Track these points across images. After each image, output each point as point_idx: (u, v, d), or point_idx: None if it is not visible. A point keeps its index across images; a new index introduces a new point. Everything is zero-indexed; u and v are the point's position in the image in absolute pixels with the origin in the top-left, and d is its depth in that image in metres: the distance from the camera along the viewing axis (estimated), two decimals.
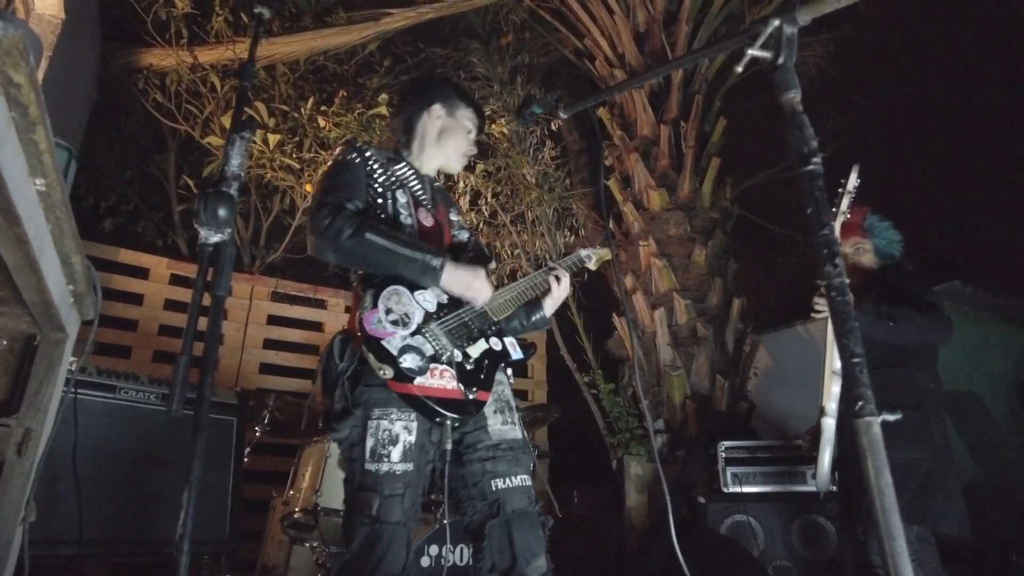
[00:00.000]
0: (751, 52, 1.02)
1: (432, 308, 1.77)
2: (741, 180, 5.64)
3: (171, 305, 4.43)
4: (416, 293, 1.75)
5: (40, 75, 2.84)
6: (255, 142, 4.63)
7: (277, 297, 4.85)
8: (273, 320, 4.80)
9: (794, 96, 0.99)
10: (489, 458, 1.75)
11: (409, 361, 1.63)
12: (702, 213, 5.07)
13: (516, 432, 1.84)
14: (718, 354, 4.71)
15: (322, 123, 4.92)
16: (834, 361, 2.32)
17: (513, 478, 1.75)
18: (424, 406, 1.64)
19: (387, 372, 1.61)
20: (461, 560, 2.88)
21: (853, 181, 2.30)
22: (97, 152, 5.27)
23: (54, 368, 1.39)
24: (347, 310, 5.06)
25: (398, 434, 1.64)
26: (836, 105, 6.13)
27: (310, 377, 4.83)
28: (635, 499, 4.37)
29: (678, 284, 4.85)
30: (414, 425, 1.66)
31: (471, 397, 1.72)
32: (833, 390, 2.32)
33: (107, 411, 2.70)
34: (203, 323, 1.11)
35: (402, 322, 1.68)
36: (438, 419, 1.67)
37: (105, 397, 2.71)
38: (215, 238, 1.15)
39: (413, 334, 1.69)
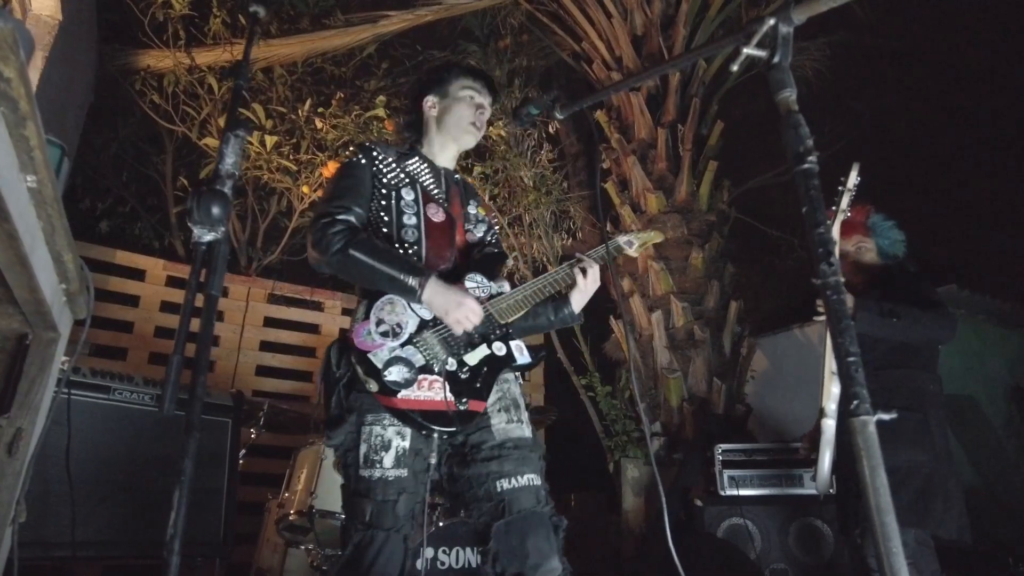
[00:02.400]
0: (746, 51, 1.01)
1: (429, 315, 1.73)
2: (738, 183, 5.64)
3: (167, 307, 4.42)
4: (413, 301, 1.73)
5: (37, 75, 2.83)
6: (252, 143, 4.62)
7: (273, 299, 4.84)
8: (269, 322, 4.79)
9: (789, 95, 0.99)
10: (494, 457, 1.70)
11: (395, 374, 1.61)
12: (699, 216, 5.07)
13: (523, 430, 1.77)
14: (715, 357, 4.71)
15: (319, 125, 4.92)
16: (834, 362, 2.30)
17: (520, 478, 1.68)
18: (410, 419, 1.62)
19: (372, 386, 1.61)
20: (457, 563, 2.87)
21: (853, 179, 2.30)
22: (94, 154, 5.26)
23: (46, 368, 1.38)
24: (344, 312, 5.06)
25: (390, 439, 1.62)
26: (833, 110, 6.15)
27: (306, 380, 4.82)
28: (632, 502, 4.36)
29: (675, 287, 4.84)
30: (408, 430, 1.64)
31: (462, 408, 1.67)
32: (833, 391, 2.31)
33: (101, 412, 2.69)
34: (197, 323, 1.10)
35: (393, 333, 1.66)
36: (424, 432, 1.65)
37: (99, 398, 2.69)
38: (209, 236, 1.14)
39: (404, 344, 1.66)
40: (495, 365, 1.77)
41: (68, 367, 1.56)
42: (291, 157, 4.90)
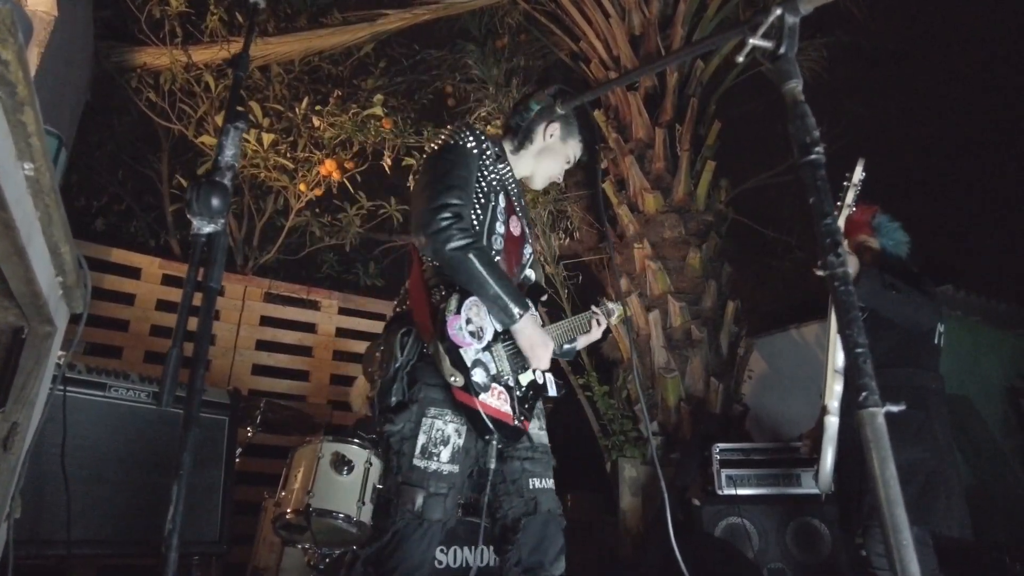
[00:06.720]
0: (752, 41, 1.01)
1: (500, 328, 1.79)
2: (736, 183, 5.64)
3: (163, 305, 4.39)
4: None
5: (33, 71, 2.80)
6: (249, 141, 4.60)
7: (270, 298, 4.82)
8: (266, 321, 4.77)
9: (796, 86, 0.98)
10: (528, 458, 1.82)
11: (479, 376, 1.66)
12: (697, 216, 5.07)
13: (546, 439, 1.92)
14: (712, 357, 4.70)
15: (316, 123, 4.91)
16: (836, 359, 2.31)
17: (546, 480, 1.83)
18: (480, 422, 1.67)
19: (458, 380, 1.64)
20: (455, 563, 2.86)
21: (859, 175, 2.30)
22: (89, 151, 5.22)
23: (42, 362, 1.36)
24: (341, 312, 5.04)
25: (450, 436, 1.68)
26: (830, 111, 6.15)
27: (303, 379, 4.80)
28: (629, 502, 4.36)
29: (672, 287, 4.84)
30: (464, 429, 1.71)
31: (517, 424, 1.76)
32: (836, 389, 2.31)
33: (97, 409, 2.66)
34: (193, 319, 1.08)
35: (477, 335, 1.70)
36: (487, 436, 1.71)
37: (95, 395, 2.67)
38: (208, 228, 1.13)
39: (484, 349, 1.72)
40: (537, 391, 1.87)
41: (64, 362, 1.54)
42: (288, 155, 4.89)
